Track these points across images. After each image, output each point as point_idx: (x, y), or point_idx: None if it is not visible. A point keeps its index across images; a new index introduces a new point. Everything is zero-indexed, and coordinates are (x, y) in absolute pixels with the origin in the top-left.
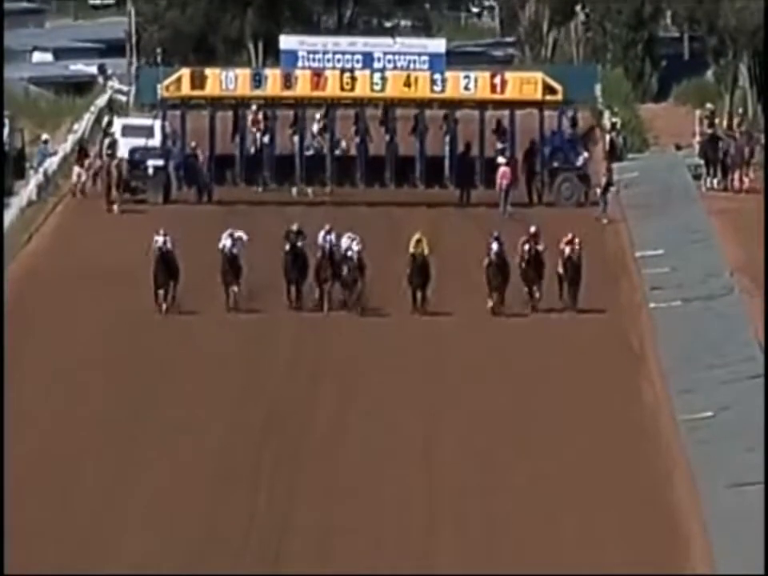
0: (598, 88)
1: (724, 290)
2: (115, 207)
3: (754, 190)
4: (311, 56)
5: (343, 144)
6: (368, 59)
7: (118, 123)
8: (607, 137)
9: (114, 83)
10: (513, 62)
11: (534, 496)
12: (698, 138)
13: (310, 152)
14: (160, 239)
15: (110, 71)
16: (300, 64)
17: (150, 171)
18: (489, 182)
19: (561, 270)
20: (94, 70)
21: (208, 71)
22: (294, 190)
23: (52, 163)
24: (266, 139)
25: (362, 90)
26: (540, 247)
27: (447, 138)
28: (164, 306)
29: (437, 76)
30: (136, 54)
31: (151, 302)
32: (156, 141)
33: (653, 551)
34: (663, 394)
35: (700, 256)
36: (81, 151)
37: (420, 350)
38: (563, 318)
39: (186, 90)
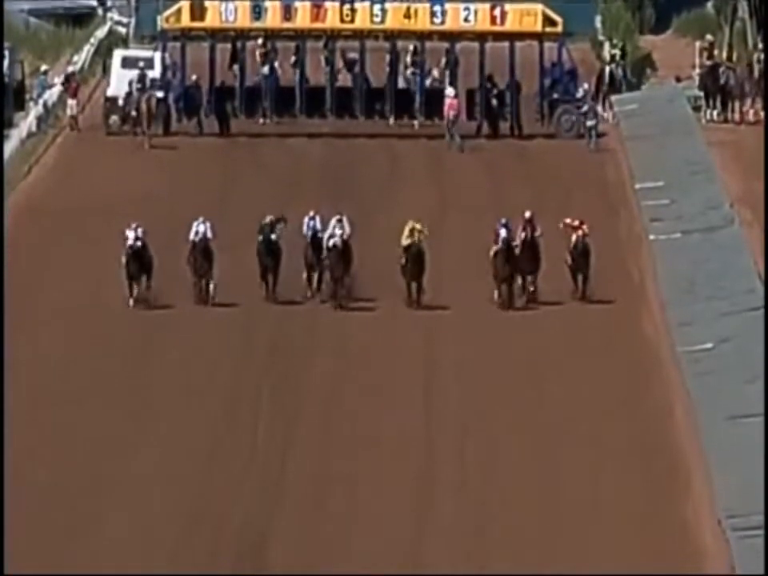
0: (597, 20)
1: (724, 221)
2: (147, 144)
3: (754, 122)
4: None
5: (435, 73)
6: None
7: (117, 55)
8: (606, 68)
9: (114, 15)
10: None
11: (535, 429)
12: (697, 70)
13: (402, 85)
14: (131, 234)
15: (109, 3)
16: None
17: None
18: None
19: (569, 260)
20: (93, 1)
21: (208, 3)
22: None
23: (52, 95)
24: (266, 71)
25: (361, 21)
26: (537, 233)
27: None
28: (132, 300)
29: (437, 8)
30: None
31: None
32: (156, 72)
33: (653, 484)
34: (663, 326)
35: (700, 188)
36: (68, 82)
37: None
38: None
39: (185, 21)
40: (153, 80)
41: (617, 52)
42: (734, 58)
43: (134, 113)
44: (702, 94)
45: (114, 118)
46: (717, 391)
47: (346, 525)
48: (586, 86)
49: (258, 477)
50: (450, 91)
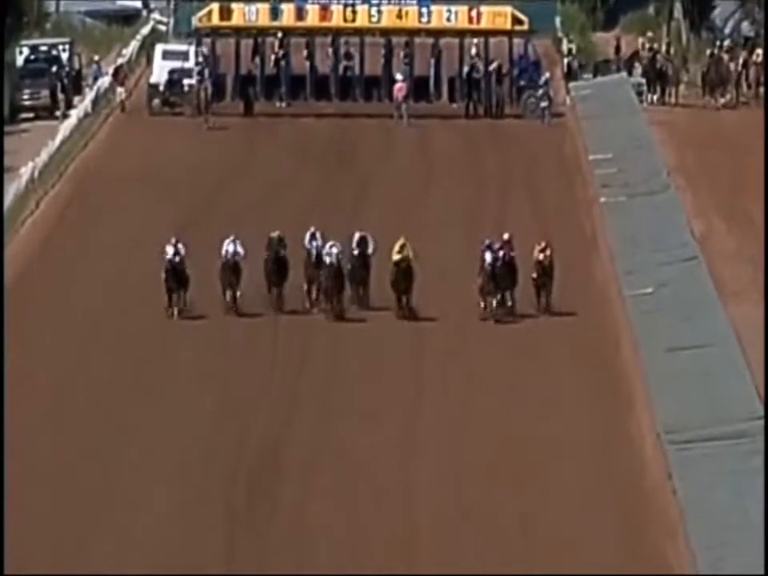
0: (557, 20)
1: (662, 187)
2: (207, 124)
3: (686, 105)
4: None
5: (495, 65)
6: None
7: (158, 48)
8: (565, 60)
9: (156, 15)
10: None
11: (509, 367)
12: (643, 61)
13: (469, 72)
14: (171, 250)
15: (152, 5)
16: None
17: (186, 89)
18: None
19: (534, 276)
20: (139, 4)
21: (234, 5)
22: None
23: (104, 82)
24: (283, 62)
25: (361, 21)
26: (513, 253)
27: (432, 61)
28: (174, 311)
29: (424, 9)
30: None
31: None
32: (190, 63)
33: (603, 405)
34: (611, 274)
35: (642, 159)
36: (117, 74)
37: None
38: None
39: (215, 21)
40: (188, 69)
41: (572, 46)
42: (671, 51)
43: (194, 101)
44: (644, 80)
45: (156, 101)
46: (656, 328)
47: (348, 428)
48: (547, 74)
49: (275, 393)
50: (399, 76)
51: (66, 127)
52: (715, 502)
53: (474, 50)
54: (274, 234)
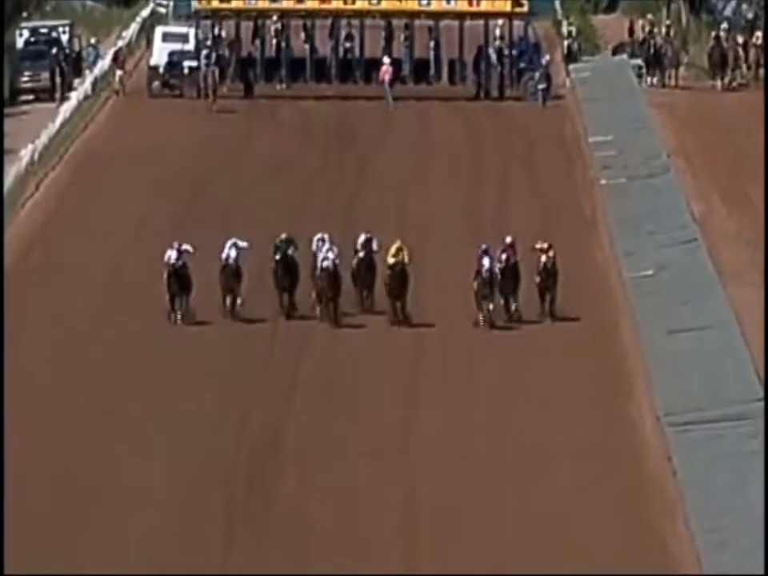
0: (557, 2)
1: (662, 169)
2: (213, 107)
3: (686, 87)
4: None
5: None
6: None
7: (158, 30)
8: (565, 42)
9: None
10: None
11: (509, 347)
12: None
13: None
14: (173, 254)
15: None
16: None
17: (186, 71)
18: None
19: (537, 279)
20: None
21: None
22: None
23: (104, 64)
24: (283, 44)
25: (361, 3)
26: (517, 257)
27: (432, 44)
28: (177, 316)
29: None
30: None
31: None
32: (190, 46)
33: (603, 388)
34: (612, 256)
35: (642, 141)
36: (117, 56)
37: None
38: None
39: (215, 2)
40: (187, 52)
41: (572, 28)
42: (671, 33)
43: (201, 83)
44: (643, 63)
45: (156, 83)
46: (656, 310)
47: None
48: (547, 56)
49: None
50: (385, 59)
51: (65, 109)
52: (715, 483)
53: (498, 32)
54: (283, 237)
